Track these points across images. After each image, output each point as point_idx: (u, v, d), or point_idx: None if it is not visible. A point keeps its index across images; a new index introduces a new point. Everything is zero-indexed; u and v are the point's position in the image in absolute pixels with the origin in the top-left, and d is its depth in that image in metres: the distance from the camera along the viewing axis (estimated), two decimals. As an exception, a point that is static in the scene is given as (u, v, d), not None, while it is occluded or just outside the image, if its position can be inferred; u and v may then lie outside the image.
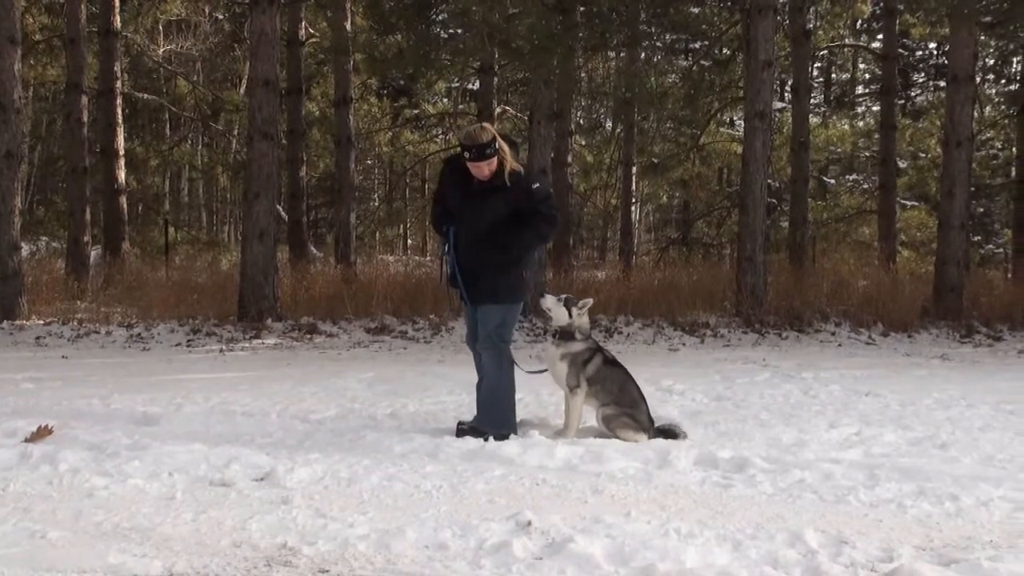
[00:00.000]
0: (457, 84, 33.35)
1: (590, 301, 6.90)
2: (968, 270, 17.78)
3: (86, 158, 21.11)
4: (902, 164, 26.95)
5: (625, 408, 6.63)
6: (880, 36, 26.40)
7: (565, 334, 6.80)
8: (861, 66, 36.28)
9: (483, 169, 6.55)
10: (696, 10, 19.29)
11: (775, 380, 9.84)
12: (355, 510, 4.82)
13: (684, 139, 27.76)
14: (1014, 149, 26.79)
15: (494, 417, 6.68)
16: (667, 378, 9.58)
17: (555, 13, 14.19)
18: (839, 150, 30.45)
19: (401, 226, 39.82)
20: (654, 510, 4.87)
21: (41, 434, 6.32)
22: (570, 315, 6.79)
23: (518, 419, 6.95)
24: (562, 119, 21.22)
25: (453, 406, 7.82)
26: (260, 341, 13.29)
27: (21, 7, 16.46)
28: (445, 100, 36.27)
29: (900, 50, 28.07)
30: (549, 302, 6.89)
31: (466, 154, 6.52)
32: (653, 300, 15.94)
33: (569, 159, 23.36)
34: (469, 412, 7.50)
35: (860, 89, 35.79)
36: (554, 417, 7.30)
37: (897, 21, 23.54)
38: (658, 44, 20.85)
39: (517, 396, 6.89)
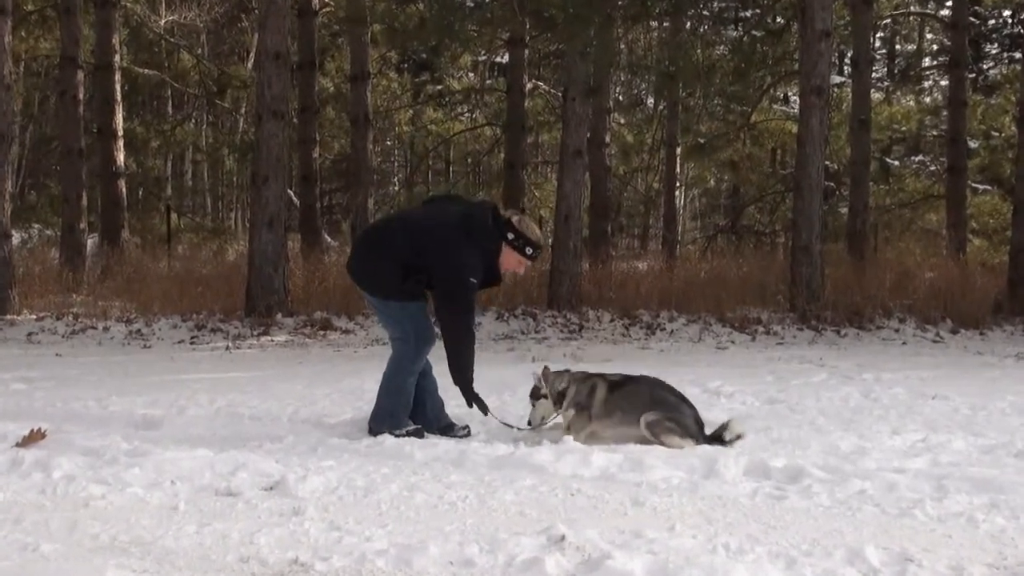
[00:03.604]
0: (484, 57, 33.27)
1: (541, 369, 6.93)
2: (1047, 260, 17.60)
3: (82, 139, 21.26)
4: (973, 144, 26.70)
5: (668, 412, 6.60)
6: (949, 3, 26.25)
7: (559, 398, 6.81)
8: (928, 36, 36.06)
9: (523, 269, 7.03)
10: (747, -26, 19.23)
11: (833, 382, 9.80)
12: (373, 522, 4.83)
13: (733, 117, 27.58)
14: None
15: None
16: (715, 379, 9.55)
17: (592, -21, 14.16)
18: (903, 129, 30.22)
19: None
20: (700, 524, 4.85)
21: (33, 438, 6.36)
22: (547, 395, 6.80)
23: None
24: (599, 95, 21.16)
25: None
26: (269, 338, 13.35)
27: (11, -25, 16.55)
28: (471, 75, 36.24)
29: (971, 18, 27.77)
30: (536, 417, 6.88)
31: (528, 250, 6.78)
32: (699, 294, 15.91)
33: (607, 139, 23.32)
34: (496, 414, 7.50)
35: (927, 61, 35.55)
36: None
37: (968, -14, 23.37)
38: (705, 12, 20.75)
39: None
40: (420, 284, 6.69)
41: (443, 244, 6.60)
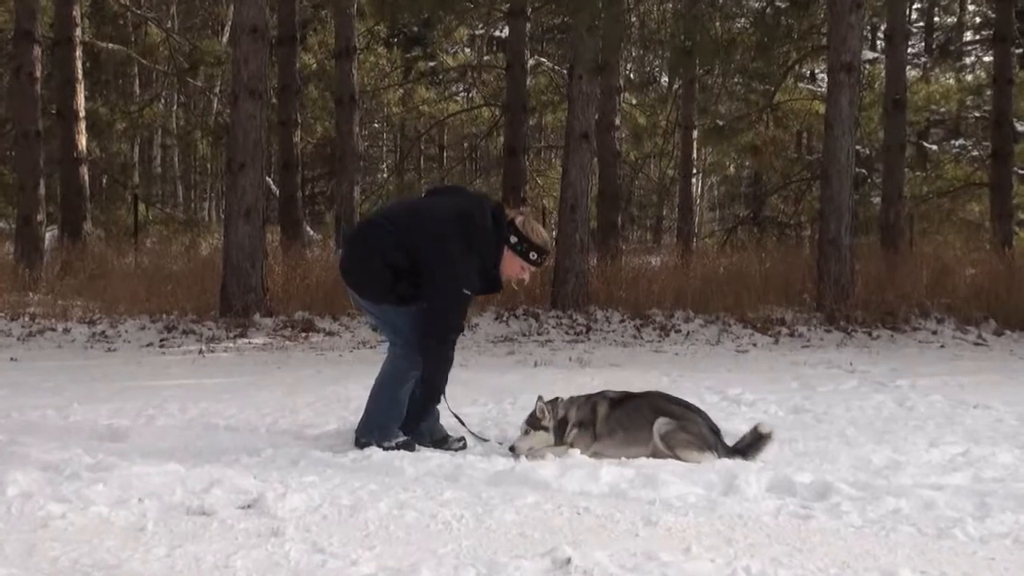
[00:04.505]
0: (482, 31, 33.30)
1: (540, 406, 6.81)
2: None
3: (39, 121, 21.21)
4: (1020, 127, 26.70)
5: (680, 421, 6.60)
6: (993, -28, 26.19)
7: (561, 427, 6.78)
8: (970, 7, 35.99)
9: (527, 275, 6.90)
10: (770, -60, 19.22)
11: (864, 389, 9.81)
12: (359, 544, 4.83)
13: (755, 97, 27.64)
14: None
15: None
16: (735, 385, 9.56)
17: (600, -55, 14.15)
18: (943, 110, 30.24)
19: (414, 202, 39.93)
20: (719, 545, 4.84)
21: (-13, 451, 6.37)
22: (548, 427, 6.72)
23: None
24: (608, 73, 21.17)
25: (477, 419, 7.81)
26: (246, 340, 13.35)
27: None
28: (467, 50, 36.26)
29: (1018, -12, 27.75)
30: (524, 446, 6.67)
31: (532, 255, 6.71)
32: (718, 291, 15.92)
33: (617, 121, 23.32)
34: (496, 426, 7.52)
35: (969, 35, 35.53)
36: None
37: (1014, -47, 23.35)
38: (724, -19, 20.77)
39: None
40: (414, 287, 6.67)
41: (435, 247, 6.56)
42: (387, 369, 6.93)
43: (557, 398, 6.87)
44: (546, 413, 6.68)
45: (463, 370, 10.89)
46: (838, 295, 15.06)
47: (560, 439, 6.72)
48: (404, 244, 6.57)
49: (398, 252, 6.57)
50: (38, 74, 21.10)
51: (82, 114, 22.08)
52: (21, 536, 4.89)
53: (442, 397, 6.97)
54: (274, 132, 23.12)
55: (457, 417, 7.03)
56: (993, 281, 16.04)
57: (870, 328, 14.55)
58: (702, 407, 7.02)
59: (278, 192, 24.13)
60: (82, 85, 22.33)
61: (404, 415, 6.93)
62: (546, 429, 6.69)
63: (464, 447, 6.94)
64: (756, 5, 22.46)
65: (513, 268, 6.73)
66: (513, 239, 6.63)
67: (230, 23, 26.44)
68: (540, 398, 6.75)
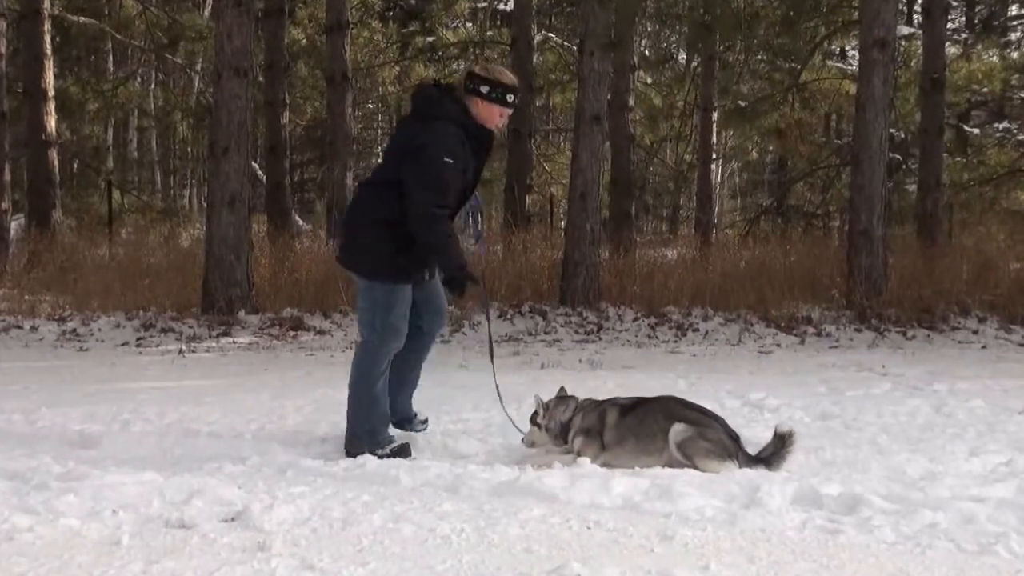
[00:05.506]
0: (484, 3, 33.27)
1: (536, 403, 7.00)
2: None
3: (5, 100, 21.24)
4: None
5: (697, 428, 6.59)
6: (1040, -60, 26.14)
7: (563, 430, 6.89)
8: (1015, -21, 35.94)
9: (506, 118, 7.12)
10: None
11: (897, 393, 9.79)
12: (351, 560, 4.83)
13: (780, 76, 27.57)
14: None
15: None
16: (757, 389, 9.55)
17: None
18: (985, 90, 30.15)
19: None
20: (740, 562, 4.85)
21: (-51, 459, 6.38)
22: (541, 425, 6.91)
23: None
24: (622, 50, 21.16)
25: (479, 425, 7.83)
26: (230, 339, 13.36)
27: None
28: (468, 25, 36.21)
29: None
30: (528, 441, 7.03)
31: (509, 97, 6.90)
32: (739, 287, 15.90)
33: (631, 102, 23.34)
34: (500, 432, 7.52)
35: (1014, 10, 35.44)
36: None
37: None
38: (747, -49, 20.74)
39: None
40: (416, 260, 6.83)
41: (411, 141, 6.76)
42: (357, 365, 7.03)
43: (572, 396, 6.95)
44: (540, 412, 6.91)
45: (463, 371, 10.94)
46: (869, 291, 15.03)
47: (564, 441, 6.84)
48: (391, 181, 6.80)
49: (390, 197, 6.77)
50: (3, 50, 21.13)
51: (51, 93, 22.11)
52: (-15, 551, 4.90)
53: (497, 392, 7.34)
54: (260, 113, 23.14)
55: (510, 419, 7.27)
56: (1040, 276, 16.03)
57: (904, 327, 14.53)
58: (721, 413, 7.03)
59: (264, 178, 24.17)
60: (51, 62, 22.36)
61: (388, 414, 7.02)
62: (539, 427, 6.89)
63: (425, 428, 7.34)
64: (782, -24, 22.46)
65: (493, 118, 6.96)
66: (484, 88, 6.85)
67: (212, -5, 26.42)
68: (562, 394, 7.02)
